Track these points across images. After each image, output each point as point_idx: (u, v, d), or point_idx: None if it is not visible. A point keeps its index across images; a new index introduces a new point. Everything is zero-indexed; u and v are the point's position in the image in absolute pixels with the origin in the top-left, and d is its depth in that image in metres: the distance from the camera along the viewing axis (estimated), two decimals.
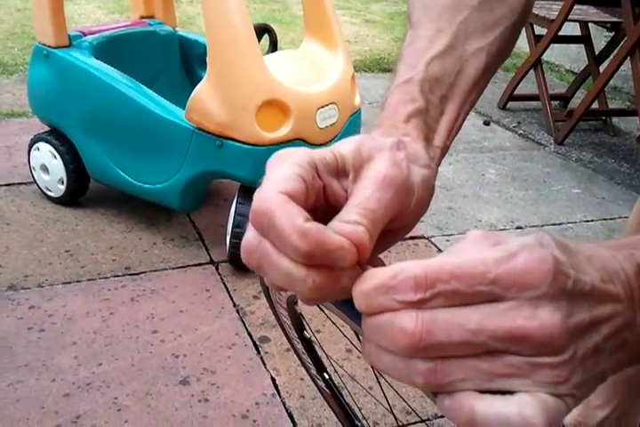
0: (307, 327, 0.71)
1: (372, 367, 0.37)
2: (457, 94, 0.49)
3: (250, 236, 0.36)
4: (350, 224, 0.34)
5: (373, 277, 0.32)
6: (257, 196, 0.35)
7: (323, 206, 0.39)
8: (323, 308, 0.56)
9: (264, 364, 1.34)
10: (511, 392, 0.31)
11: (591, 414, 1.08)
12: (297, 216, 0.33)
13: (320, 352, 0.76)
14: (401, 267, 0.31)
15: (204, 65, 1.98)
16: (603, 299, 0.32)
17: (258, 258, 0.35)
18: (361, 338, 0.36)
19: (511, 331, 0.30)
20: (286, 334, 0.75)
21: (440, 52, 0.49)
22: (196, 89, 1.48)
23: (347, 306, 0.39)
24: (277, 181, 0.35)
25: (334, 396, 0.81)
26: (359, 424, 0.84)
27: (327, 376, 0.77)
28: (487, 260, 0.31)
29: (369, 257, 0.35)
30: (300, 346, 0.74)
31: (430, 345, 0.31)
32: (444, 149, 0.47)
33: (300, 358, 0.80)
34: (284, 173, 0.36)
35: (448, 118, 0.48)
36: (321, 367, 0.77)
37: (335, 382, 0.80)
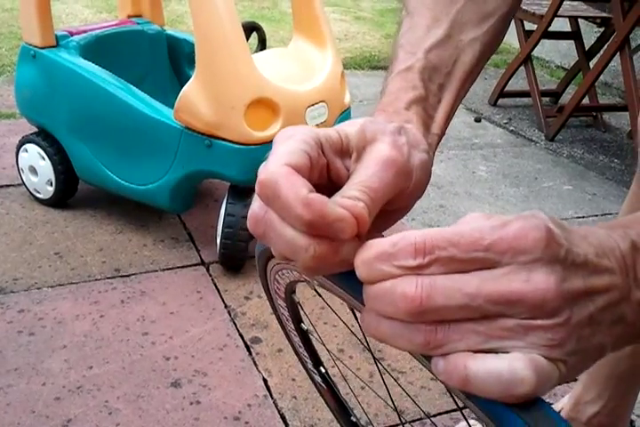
0: (305, 319, 0.70)
1: (374, 360, 0.37)
2: (453, 83, 0.51)
3: (256, 206, 0.37)
4: (351, 199, 0.36)
5: (374, 246, 0.34)
6: (263, 168, 0.36)
7: (325, 184, 0.41)
8: (318, 291, 0.56)
9: (256, 365, 1.34)
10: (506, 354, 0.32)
11: (582, 409, 1.08)
12: (301, 187, 0.35)
13: (317, 346, 0.75)
14: (401, 235, 0.33)
15: (192, 64, 1.97)
16: (597, 271, 0.33)
17: (263, 227, 0.37)
18: (359, 316, 0.37)
19: (506, 294, 0.31)
20: (283, 327, 0.75)
21: (438, 41, 0.51)
22: (185, 88, 1.47)
23: (346, 279, 0.40)
24: (283, 155, 0.37)
25: (330, 391, 0.81)
26: (355, 420, 0.83)
27: (324, 370, 0.77)
28: (483, 228, 0.32)
29: (368, 235, 0.36)
30: (297, 339, 0.74)
31: (430, 309, 0.32)
32: (441, 136, 0.49)
33: (296, 352, 0.79)
34: (290, 147, 0.37)
35: (445, 107, 0.50)
36: (318, 361, 0.76)
37: (331, 376, 0.80)
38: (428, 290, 0.32)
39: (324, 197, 0.35)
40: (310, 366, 0.77)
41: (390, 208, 0.41)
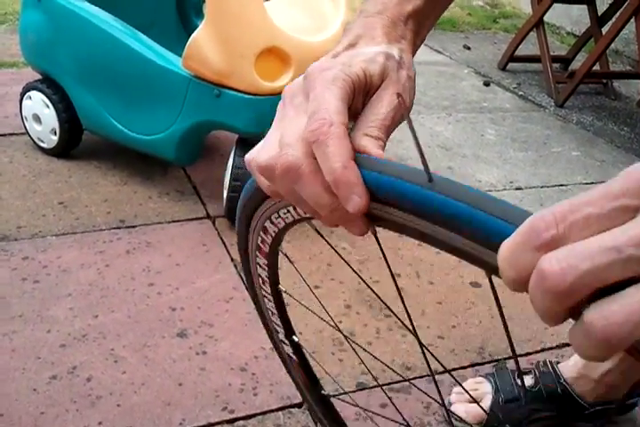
0: (283, 280, 0.65)
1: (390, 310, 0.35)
2: None
3: (300, 153, 0.40)
4: (374, 140, 0.42)
5: (503, 245, 0.30)
6: (316, 114, 0.40)
7: None
8: (321, 232, 0.53)
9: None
10: None
11: (594, 366, 1.07)
12: (348, 152, 0.39)
13: (293, 311, 0.69)
14: (528, 220, 0.29)
15: (200, 13, 1.93)
16: None
17: (293, 177, 0.40)
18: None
19: None
20: (255, 295, 0.69)
21: None
22: (194, 35, 1.42)
23: None
24: (337, 112, 0.40)
25: (301, 363, 0.74)
26: (325, 393, 0.77)
27: (296, 339, 0.71)
28: (609, 183, 0.29)
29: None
30: (270, 305, 0.68)
31: (577, 279, 0.28)
32: (422, 43, 0.55)
33: (264, 323, 0.73)
34: (337, 98, 0.41)
35: (435, 18, 0.55)
36: (290, 330, 0.71)
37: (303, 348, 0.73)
38: (567, 260, 0.28)
39: (357, 170, 0.39)
40: (282, 335, 0.71)
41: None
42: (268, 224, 0.56)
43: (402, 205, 0.37)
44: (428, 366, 0.52)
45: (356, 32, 0.49)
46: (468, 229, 0.33)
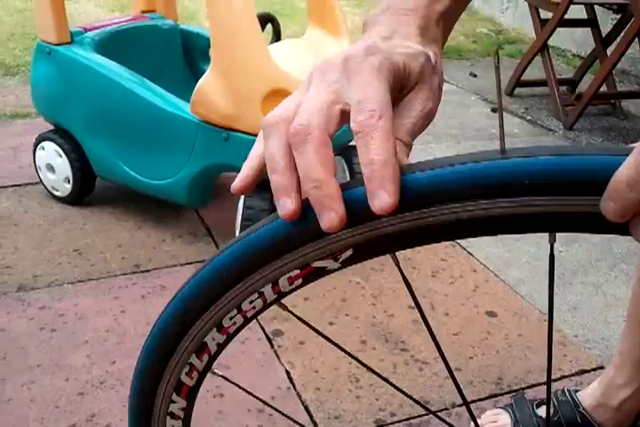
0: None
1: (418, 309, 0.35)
2: None
3: (310, 117, 0.38)
4: (404, 146, 0.40)
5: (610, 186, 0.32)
6: (366, 105, 0.37)
7: None
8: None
9: (278, 357, 1.33)
10: None
11: (613, 393, 1.06)
12: (393, 149, 0.36)
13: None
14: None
15: (206, 59, 1.96)
16: None
17: (300, 139, 0.38)
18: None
19: None
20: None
21: None
22: (201, 81, 1.46)
23: None
24: (387, 107, 0.38)
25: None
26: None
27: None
28: None
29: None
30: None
31: None
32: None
33: None
34: (388, 97, 0.39)
35: (456, 18, 0.52)
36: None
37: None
38: None
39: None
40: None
41: None
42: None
43: (475, 189, 0.36)
44: (460, 392, 0.50)
45: (390, 27, 0.45)
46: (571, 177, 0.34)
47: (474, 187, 0.35)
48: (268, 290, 0.42)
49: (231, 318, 0.44)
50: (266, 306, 0.43)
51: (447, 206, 0.36)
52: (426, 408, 0.58)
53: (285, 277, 0.41)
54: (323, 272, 0.41)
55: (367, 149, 0.36)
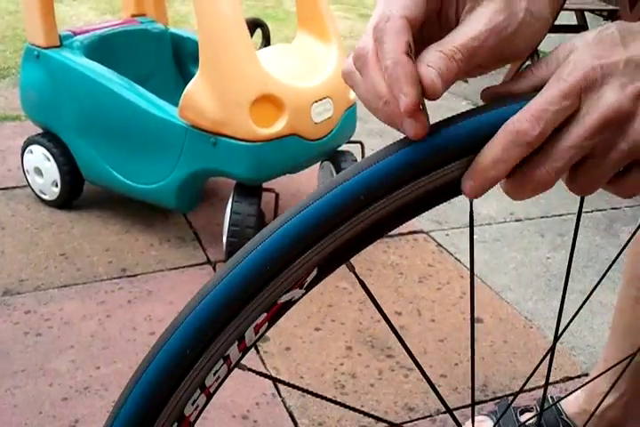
0: None
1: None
2: None
3: (366, 40, 0.38)
4: (446, 59, 0.36)
5: (473, 165, 0.38)
6: (383, 11, 0.37)
7: (434, 26, 0.41)
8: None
9: (264, 363, 1.33)
10: None
11: (596, 401, 1.06)
12: (402, 47, 0.36)
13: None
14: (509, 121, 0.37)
15: (196, 63, 1.96)
16: None
17: (361, 63, 0.38)
18: None
19: (595, 125, 0.35)
20: None
21: None
22: (189, 86, 1.46)
23: None
24: (402, 6, 0.37)
25: None
26: None
27: None
28: (559, 80, 0.37)
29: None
30: None
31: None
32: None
33: None
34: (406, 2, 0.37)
35: None
36: None
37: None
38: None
39: (411, 64, 0.36)
40: None
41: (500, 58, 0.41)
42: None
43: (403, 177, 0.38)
44: (440, 398, 0.50)
45: None
46: None
47: (401, 176, 0.37)
48: (233, 351, 0.37)
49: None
50: (230, 370, 0.39)
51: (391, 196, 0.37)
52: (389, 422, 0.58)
53: (252, 327, 0.37)
54: (289, 306, 0.39)
55: (382, 55, 0.37)
